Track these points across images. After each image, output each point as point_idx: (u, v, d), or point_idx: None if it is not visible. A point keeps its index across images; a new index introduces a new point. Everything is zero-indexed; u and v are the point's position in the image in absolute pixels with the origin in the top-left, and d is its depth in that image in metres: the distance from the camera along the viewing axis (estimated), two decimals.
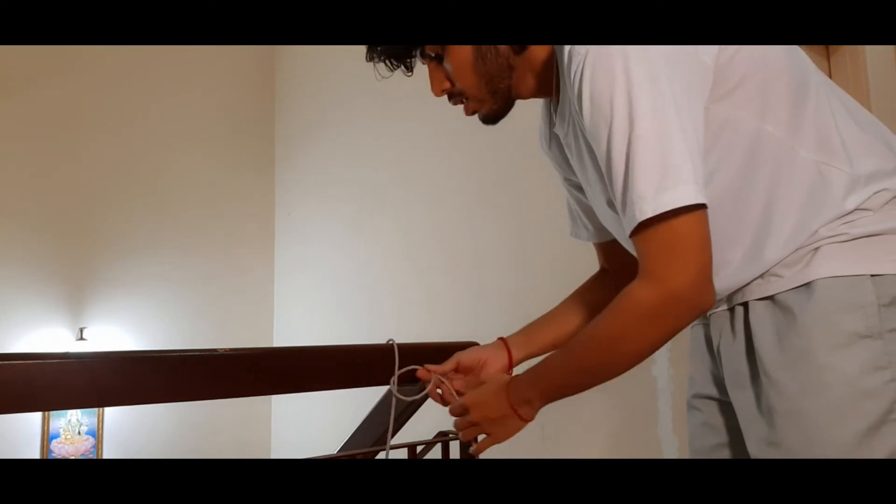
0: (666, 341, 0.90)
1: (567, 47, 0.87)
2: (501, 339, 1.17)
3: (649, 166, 0.81)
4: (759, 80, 0.88)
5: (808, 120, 0.90)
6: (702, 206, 0.81)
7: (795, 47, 0.97)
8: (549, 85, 0.99)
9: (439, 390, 1.10)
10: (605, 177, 0.87)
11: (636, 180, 0.81)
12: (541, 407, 1.01)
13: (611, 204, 0.97)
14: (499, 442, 1.04)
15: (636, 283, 0.86)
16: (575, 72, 0.85)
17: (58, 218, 3.21)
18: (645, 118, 0.81)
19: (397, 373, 1.12)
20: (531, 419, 1.02)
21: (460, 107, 1.05)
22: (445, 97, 1.05)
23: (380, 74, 1.03)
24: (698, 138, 0.83)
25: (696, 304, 0.85)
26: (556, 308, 1.21)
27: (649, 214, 0.80)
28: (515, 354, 1.16)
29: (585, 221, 1.18)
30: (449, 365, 1.13)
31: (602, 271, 1.23)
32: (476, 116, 1.05)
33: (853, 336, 0.85)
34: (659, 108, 0.81)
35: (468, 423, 1.04)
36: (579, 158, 0.99)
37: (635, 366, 0.93)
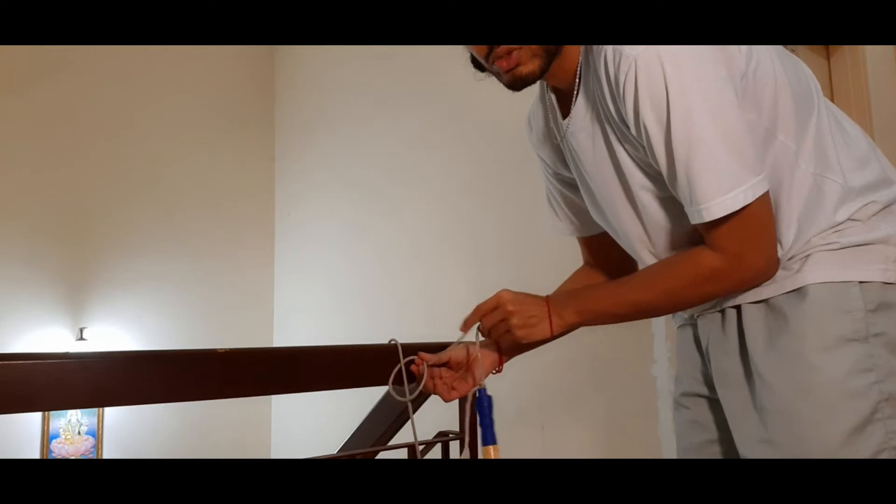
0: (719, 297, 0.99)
1: (610, 46, 0.89)
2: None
3: (711, 172, 0.85)
4: (774, 91, 0.92)
5: (809, 135, 0.94)
6: (761, 197, 0.87)
7: (801, 63, 1.01)
8: (572, 75, 0.99)
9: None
10: (668, 174, 0.89)
11: (698, 185, 0.86)
12: (570, 323, 1.03)
13: (629, 198, 1.00)
14: (519, 340, 1.04)
15: (710, 253, 0.91)
16: (626, 77, 0.87)
17: (58, 218, 3.21)
18: (704, 124, 0.85)
19: (395, 371, 1.12)
20: (558, 330, 1.04)
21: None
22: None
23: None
24: (749, 130, 0.88)
25: (768, 274, 0.93)
26: None
27: (717, 215, 0.86)
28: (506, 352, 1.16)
29: (571, 216, 1.19)
30: (442, 358, 1.14)
31: (586, 265, 1.24)
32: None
33: (841, 339, 0.89)
34: (715, 111, 0.85)
35: (503, 313, 1.04)
36: (608, 151, 0.99)
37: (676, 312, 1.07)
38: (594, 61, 0.93)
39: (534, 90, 1.14)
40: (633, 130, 0.90)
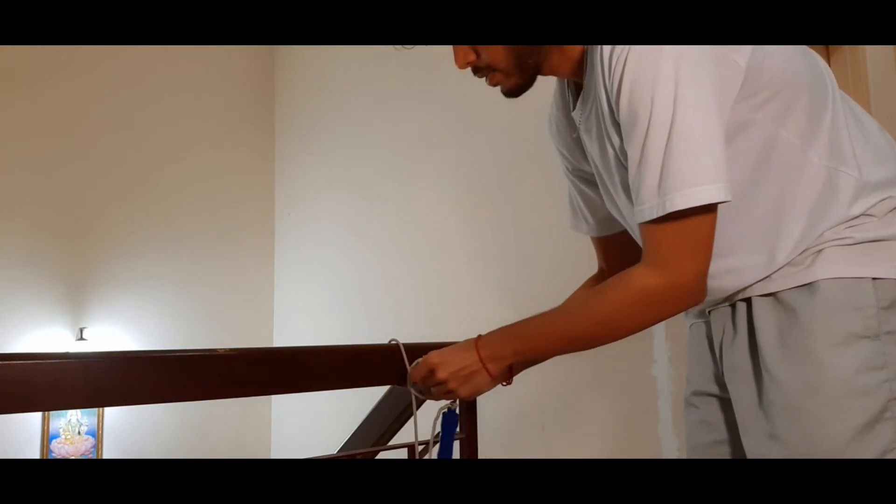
0: (654, 325, 0.96)
1: None
2: None
3: (687, 161, 0.83)
4: (781, 87, 0.90)
5: (823, 129, 0.93)
6: (715, 207, 0.85)
7: (817, 58, 0.99)
8: (577, 66, 0.99)
9: None
10: (630, 165, 0.88)
11: (671, 173, 0.83)
12: (509, 365, 1.02)
13: (614, 193, 0.98)
14: (466, 398, 1.05)
15: (643, 270, 0.90)
16: (618, 59, 0.86)
17: (58, 218, 3.21)
18: (687, 114, 0.83)
19: (411, 371, 1.12)
20: (499, 375, 1.03)
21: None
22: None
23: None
24: (724, 137, 0.86)
25: (697, 298, 0.90)
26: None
27: (680, 207, 0.83)
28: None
29: (587, 214, 1.18)
30: None
31: (600, 272, 1.23)
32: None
33: (852, 336, 0.88)
34: (700, 106, 0.83)
35: (435, 382, 1.04)
36: (599, 146, 0.99)
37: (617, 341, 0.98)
38: (594, 53, 0.93)
39: (541, 94, 1.14)
40: (617, 115, 0.89)
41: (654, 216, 0.85)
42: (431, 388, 1.05)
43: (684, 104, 0.83)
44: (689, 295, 0.90)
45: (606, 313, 0.94)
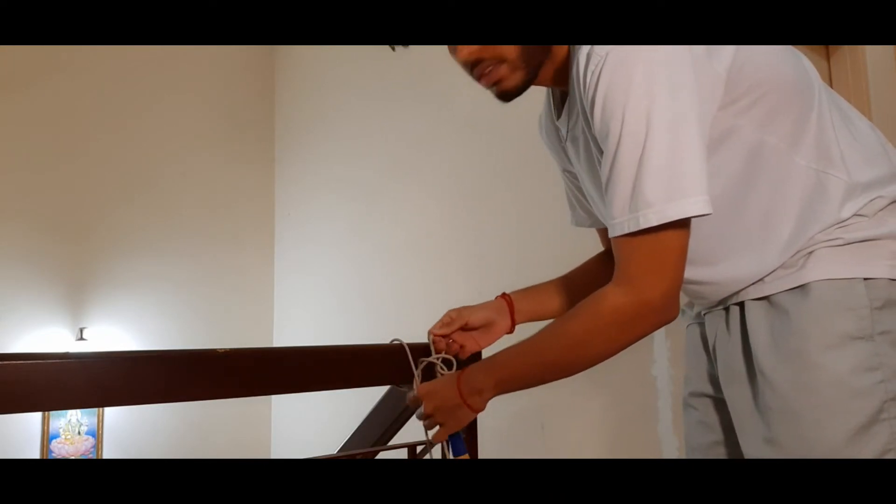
0: (627, 346, 0.91)
1: (586, 46, 0.86)
2: (506, 301, 1.19)
3: (661, 176, 0.81)
4: (765, 91, 0.89)
5: (809, 131, 0.92)
6: (688, 222, 0.83)
7: (801, 58, 0.98)
8: (561, 75, 0.98)
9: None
10: (603, 178, 0.86)
11: (645, 188, 0.81)
12: (492, 397, 1.01)
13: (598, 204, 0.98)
14: (451, 432, 1.06)
15: (612, 289, 0.88)
16: (592, 72, 0.84)
17: (58, 218, 3.21)
18: (662, 127, 0.81)
19: (420, 368, 1.13)
20: (481, 409, 1.02)
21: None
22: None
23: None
24: (705, 148, 0.84)
25: (666, 316, 0.88)
26: (566, 276, 1.22)
27: (654, 223, 0.81)
28: (518, 319, 1.18)
29: (588, 207, 1.18)
30: (454, 326, 1.15)
31: (605, 252, 1.23)
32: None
33: (846, 337, 0.87)
34: (676, 118, 0.81)
35: (423, 413, 1.06)
36: (577, 155, 1.00)
37: (593, 366, 0.94)
38: (574, 63, 0.91)
39: (540, 95, 1.14)
40: (592, 127, 0.88)
41: (626, 231, 0.83)
42: (425, 417, 1.06)
43: (659, 117, 0.81)
44: (658, 313, 0.87)
45: (576, 334, 0.92)
